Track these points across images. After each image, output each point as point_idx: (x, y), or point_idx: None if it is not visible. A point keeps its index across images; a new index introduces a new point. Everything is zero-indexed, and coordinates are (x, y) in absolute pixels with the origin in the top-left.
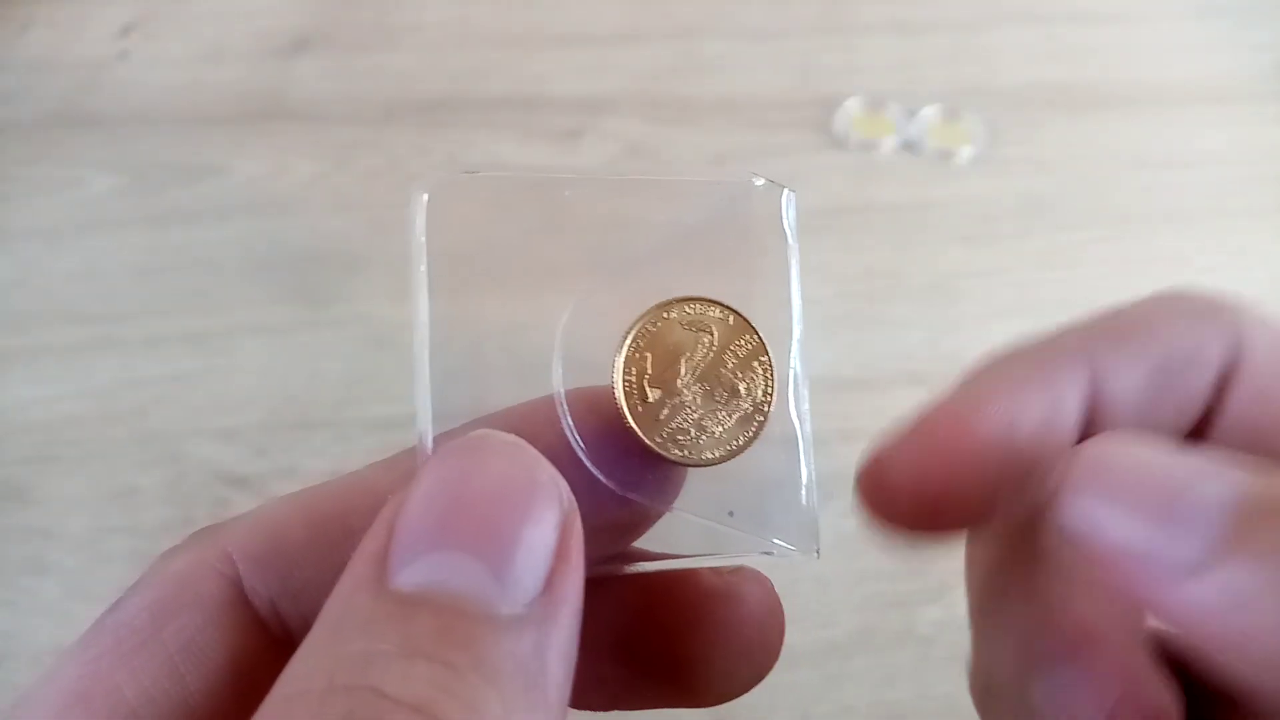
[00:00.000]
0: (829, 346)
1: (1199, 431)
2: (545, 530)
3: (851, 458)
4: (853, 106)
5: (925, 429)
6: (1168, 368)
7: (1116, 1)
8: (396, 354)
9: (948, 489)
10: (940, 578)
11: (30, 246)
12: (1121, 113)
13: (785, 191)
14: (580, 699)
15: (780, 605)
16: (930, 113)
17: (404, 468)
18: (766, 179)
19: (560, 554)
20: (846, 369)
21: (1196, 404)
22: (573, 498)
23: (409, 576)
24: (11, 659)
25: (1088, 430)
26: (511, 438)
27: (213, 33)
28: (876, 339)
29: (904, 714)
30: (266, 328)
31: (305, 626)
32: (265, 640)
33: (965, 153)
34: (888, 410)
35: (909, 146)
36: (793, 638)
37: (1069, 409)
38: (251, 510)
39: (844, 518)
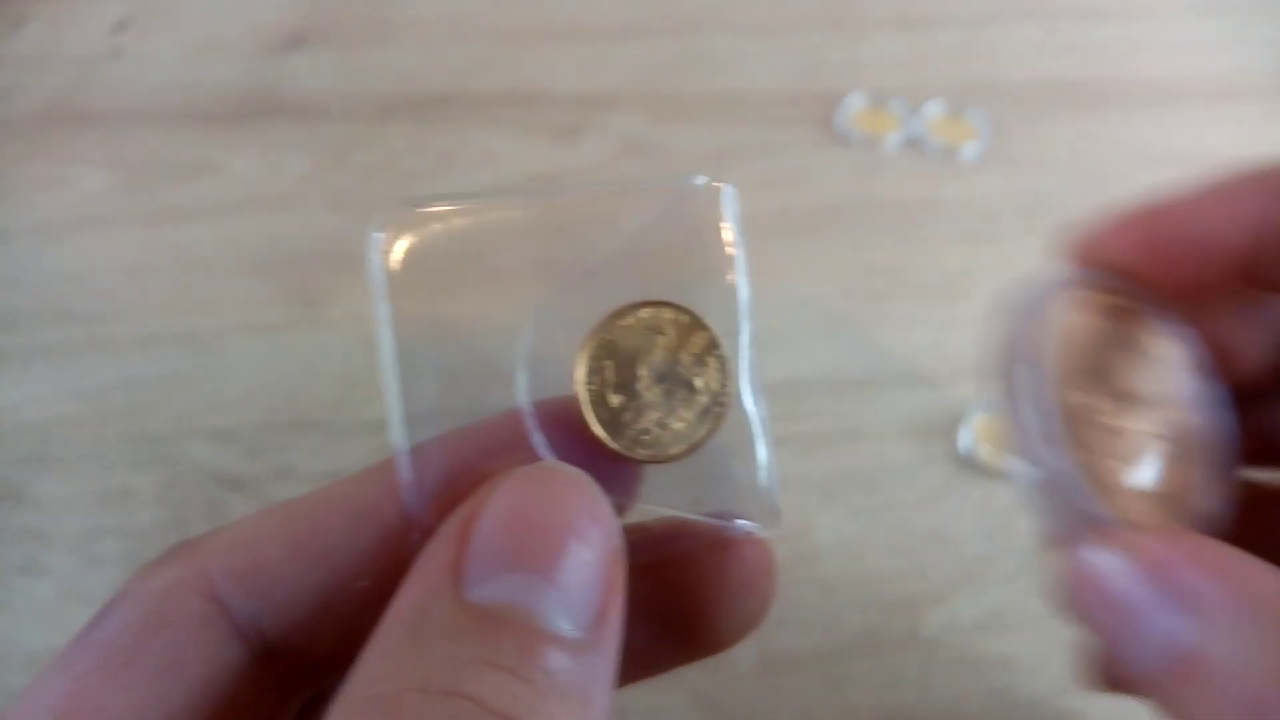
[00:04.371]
0: (831, 345)
1: None
2: (606, 562)
3: (854, 457)
4: (855, 102)
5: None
6: None
7: None
8: None
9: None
10: (944, 580)
11: (23, 245)
12: (1128, 110)
13: (724, 188)
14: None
15: (771, 551)
16: (934, 109)
17: (375, 482)
18: (707, 178)
19: (612, 584)
20: (849, 368)
21: None
22: (621, 530)
23: (485, 592)
24: (5, 661)
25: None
26: (576, 471)
27: (207, 29)
28: (879, 337)
29: (908, 717)
30: (261, 327)
31: (286, 641)
32: (246, 656)
33: (969, 149)
34: (890, 409)
35: (912, 143)
36: (796, 640)
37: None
38: (228, 526)
39: (847, 519)
